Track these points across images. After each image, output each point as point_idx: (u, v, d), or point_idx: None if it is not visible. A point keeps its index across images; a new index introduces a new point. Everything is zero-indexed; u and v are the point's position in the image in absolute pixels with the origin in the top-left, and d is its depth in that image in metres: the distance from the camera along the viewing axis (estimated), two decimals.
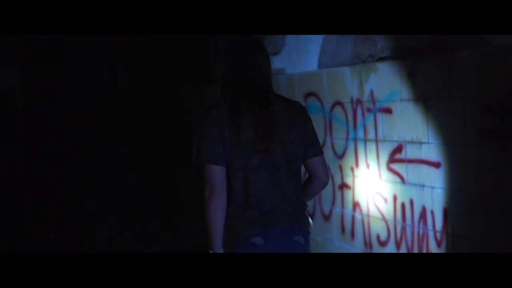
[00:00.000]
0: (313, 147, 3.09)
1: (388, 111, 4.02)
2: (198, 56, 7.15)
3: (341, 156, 4.53)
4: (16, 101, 9.68)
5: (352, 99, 4.37)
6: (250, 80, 3.07)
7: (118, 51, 9.30)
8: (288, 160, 3.01)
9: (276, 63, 5.37)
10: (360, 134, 4.31)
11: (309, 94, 4.89)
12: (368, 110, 4.21)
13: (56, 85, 9.79)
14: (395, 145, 3.96)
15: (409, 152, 3.85)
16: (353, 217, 4.45)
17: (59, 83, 9.79)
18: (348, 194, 4.50)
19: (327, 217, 4.74)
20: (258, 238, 2.93)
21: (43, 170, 9.77)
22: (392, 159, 4.01)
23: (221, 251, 2.94)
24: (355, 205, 4.42)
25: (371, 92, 4.17)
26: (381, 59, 4.07)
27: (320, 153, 3.09)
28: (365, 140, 4.25)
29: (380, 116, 4.10)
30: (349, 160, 4.45)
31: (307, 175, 3.11)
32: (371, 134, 4.20)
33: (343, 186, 4.54)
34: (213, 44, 6.67)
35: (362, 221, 4.35)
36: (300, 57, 5.03)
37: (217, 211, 2.92)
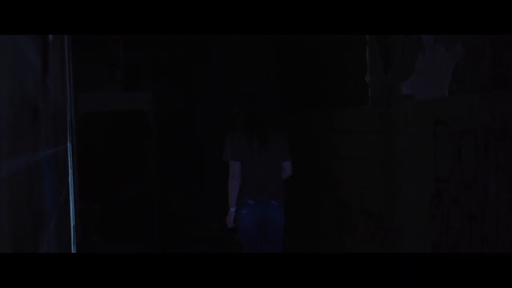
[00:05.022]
0: (285, 155, 5.74)
1: None
2: (332, 78, 7.12)
3: (469, 186, 4.34)
4: (148, 122, 10.01)
5: (482, 127, 4.18)
6: (258, 119, 5.69)
7: (248, 73, 9.43)
8: (273, 161, 5.63)
9: (405, 89, 5.25)
10: (491, 164, 4.11)
11: (438, 121, 4.73)
12: (500, 138, 4.01)
13: (187, 106, 10.05)
14: None
15: None
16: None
17: (189, 104, 10.05)
18: (476, 226, 4.29)
19: (453, 249, 4.55)
20: (251, 201, 5.53)
21: (172, 190, 10.02)
22: None
23: (235, 207, 5.55)
24: (484, 238, 4.20)
25: (504, 121, 3.97)
26: None
27: (288, 159, 5.75)
28: (497, 170, 4.05)
29: None
30: (478, 191, 4.25)
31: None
32: (502, 164, 3.99)
33: (471, 217, 4.34)
34: (344, 65, 6.63)
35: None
36: (430, 83, 4.89)
37: (235, 186, 5.54)
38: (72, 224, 5.46)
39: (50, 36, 2.76)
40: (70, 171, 5.16)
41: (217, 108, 9.95)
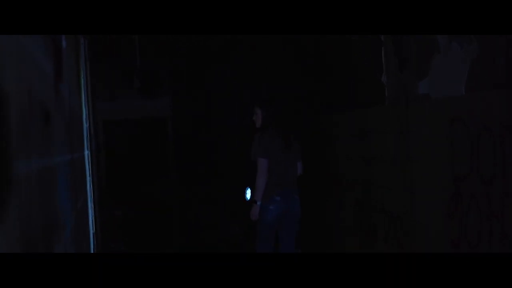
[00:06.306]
0: (300, 156, 6.37)
1: None
2: (348, 78, 7.10)
3: (488, 183, 4.31)
4: (167, 129, 10.03)
5: (501, 124, 4.15)
6: (281, 121, 6.27)
7: (259, 77, 9.43)
8: (293, 160, 6.27)
9: (421, 88, 5.23)
10: (510, 161, 4.08)
11: (455, 119, 4.71)
12: None
13: (205, 112, 10.06)
14: None
15: None
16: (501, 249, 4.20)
17: (207, 109, 10.06)
18: (496, 224, 4.26)
19: (473, 248, 4.52)
20: (278, 197, 6.13)
21: (192, 195, 10.03)
22: None
23: (260, 202, 6.06)
24: (504, 236, 4.17)
25: None
26: None
27: (300, 160, 6.38)
28: None
29: None
30: (497, 188, 4.22)
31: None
32: None
33: (491, 215, 4.30)
34: (353, 66, 6.61)
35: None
36: (446, 81, 4.86)
37: (262, 182, 6.06)
38: (91, 231, 5.49)
39: (63, 43, 2.78)
40: (89, 178, 5.19)
41: (235, 113, 9.95)
